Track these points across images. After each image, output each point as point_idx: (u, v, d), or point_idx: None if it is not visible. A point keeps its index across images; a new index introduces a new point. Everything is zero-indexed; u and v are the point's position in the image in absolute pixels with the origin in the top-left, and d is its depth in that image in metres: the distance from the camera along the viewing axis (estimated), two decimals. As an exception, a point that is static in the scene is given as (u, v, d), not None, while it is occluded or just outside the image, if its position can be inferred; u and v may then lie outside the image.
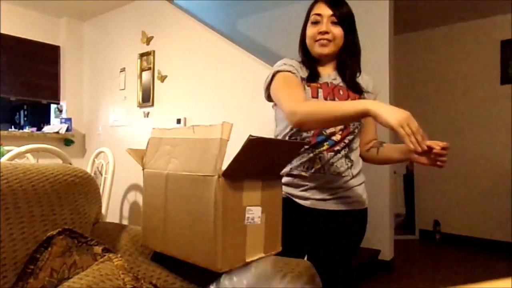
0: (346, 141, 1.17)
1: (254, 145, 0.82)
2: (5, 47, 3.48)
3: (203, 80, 2.89)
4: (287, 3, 3.45)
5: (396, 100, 3.30)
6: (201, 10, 3.74)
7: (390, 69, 2.96)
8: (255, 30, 3.75)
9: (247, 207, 0.90)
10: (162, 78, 3.15)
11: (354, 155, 1.20)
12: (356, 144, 1.21)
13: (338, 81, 1.21)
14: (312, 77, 1.19)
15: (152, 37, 3.26)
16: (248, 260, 0.91)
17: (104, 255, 0.98)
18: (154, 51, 3.22)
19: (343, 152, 1.17)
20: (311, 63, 1.23)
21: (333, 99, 1.16)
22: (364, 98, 1.19)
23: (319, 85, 1.19)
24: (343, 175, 1.17)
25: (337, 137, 1.15)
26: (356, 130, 1.18)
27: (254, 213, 0.91)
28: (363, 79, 1.23)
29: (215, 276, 0.87)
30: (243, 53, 2.66)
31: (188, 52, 2.99)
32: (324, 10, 1.17)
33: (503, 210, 3.63)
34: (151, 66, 3.23)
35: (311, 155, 1.16)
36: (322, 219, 1.18)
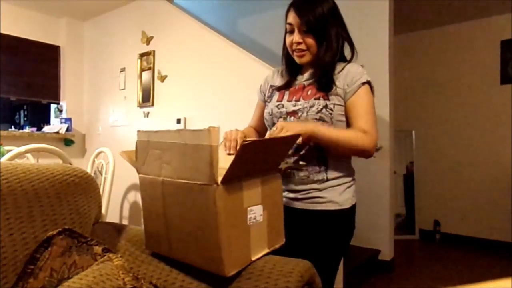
0: (311, 144, 1.13)
1: (248, 150, 0.82)
2: (5, 47, 3.48)
3: (203, 80, 2.89)
4: (287, 3, 3.43)
5: (396, 100, 3.29)
6: (201, 10, 3.74)
7: (390, 69, 2.96)
8: (255, 30, 3.75)
9: (249, 208, 0.89)
10: (162, 78, 3.15)
11: (331, 158, 1.16)
12: None
13: (310, 80, 1.21)
14: (286, 86, 1.25)
15: (152, 37, 3.25)
16: (253, 258, 0.92)
17: (104, 255, 0.98)
18: (154, 51, 3.22)
19: (312, 156, 1.15)
20: (292, 70, 1.26)
21: (298, 100, 1.18)
22: (332, 95, 1.14)
23: (289, 89, 1.24)
24: (315, 179, 1.15)
25: (299, 141, 1.10)
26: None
27: (256, 212, 0.91)
28: (348, 74, 1.15)
29: (219, 276, 0.87)
30: (243, 53, 2.66)
31: (188, 52, 2.99)
32: (294, 19, 1.17)
33: (503, 210, 3.63)
34: (151, 66, 3.23)
35: None
36: (292, 218, 1.17)
